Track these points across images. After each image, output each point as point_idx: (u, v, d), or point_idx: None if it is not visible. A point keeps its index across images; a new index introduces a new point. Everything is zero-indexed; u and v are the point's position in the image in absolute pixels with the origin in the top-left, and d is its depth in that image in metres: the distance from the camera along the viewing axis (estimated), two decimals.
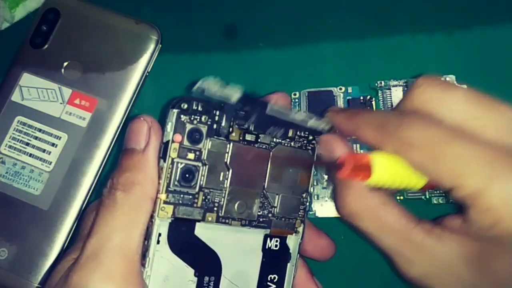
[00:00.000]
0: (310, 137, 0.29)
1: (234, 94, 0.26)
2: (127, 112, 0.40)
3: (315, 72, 0.41)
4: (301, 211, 0.30)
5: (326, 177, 0.38)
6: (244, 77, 0.41)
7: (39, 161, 0.39)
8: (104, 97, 0.40)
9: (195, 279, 0.26)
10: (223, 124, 0.26)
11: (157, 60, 0.41)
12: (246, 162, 0.27)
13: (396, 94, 0.39)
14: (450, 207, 0.37)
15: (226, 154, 0.26)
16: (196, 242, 0.26)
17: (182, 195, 0.25)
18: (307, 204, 0.30)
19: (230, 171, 0.26)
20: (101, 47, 0.41)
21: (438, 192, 0.37)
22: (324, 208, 0.38)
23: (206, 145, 0.26)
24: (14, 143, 0.40)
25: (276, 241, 0.29)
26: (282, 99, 0.30)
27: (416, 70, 0.39)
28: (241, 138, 0.27)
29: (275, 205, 0.28)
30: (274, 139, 0.28)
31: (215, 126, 0.26)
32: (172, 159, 0.25)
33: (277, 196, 0.28)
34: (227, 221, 0.27)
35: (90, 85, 0.40)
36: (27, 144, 0.40)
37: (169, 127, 0.25)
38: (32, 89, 0.40)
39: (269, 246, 0.28)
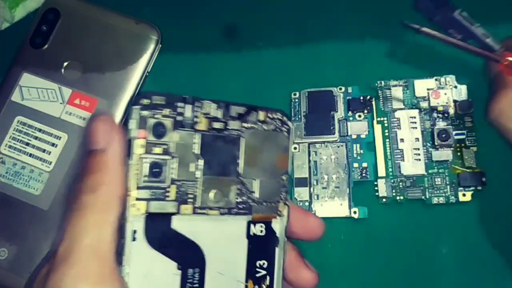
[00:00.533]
0: (284, 118, 0.29)
1: None
2: (127, 112, 0.40)
3: (315, 72, 0.41)
4: (282, 193, 0.29)
5: (326, 177, 0.38)
6: (244, 77, 0.42)
7: (39, 161, 0.39)
8: (104, 97, 0.40)
9: (179, 272, 0.25)
10: (187, 115, 0.26)
11: (157, 60, 0.41)
12: (217, 150, 0.27)
13: (396, 94, 0.39)
14: (450, 207, 0.37)
15: (195, 145, 0.26)
16: (175, 235, 0.26)
17: (153, 190, 0.25)
18: (289, 185, 0.30)
19: (201, 161, 0.26)
20: (101, 47, 0.41)
21: (438, 192, 0.37)
22: (324, 208, 0.38)
23: (173, 137, 0.26)
24: (14, 143, 0.40)
25: (261, 226, 0.28)
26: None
27: (416, 70, 0.40)
28: (209, 127, 0.27)
29: (253, 190, 0.28)
30: (244, 124, 0.28)
31: (179, 118, 0.26)
32: (139, 155, 0.25)
33: (254, 181, 0.28)
34: (204, 211, 0.26)
35: (90, 85, 0.40)
36: (27, 144, 0.40)
37: (132, 124, 0.25)
38: (32, 89, 0.40)
39: (254, 232, 0.28)
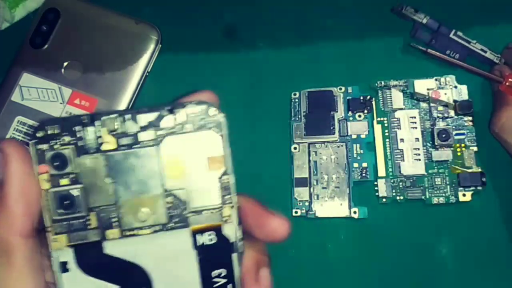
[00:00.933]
0: (211, 111, 0.25)
1: None
2: None
3: (315, 72, 0.41)
4: (225, 196, 0.27)
5: (326, 177, 0.38)
6: (244, 77, 0.41)
7: None
8: (104, 97, 0.40)
9: None
10: (88, 137, 0.24)
11: (157, 60, 0.41)
12: (132, 168, 0.25)
13: (396, 94, 0.39)
14: (450, 207, 0.37)
15: (105, 167, 0.24)
16: (111, 260, 0.25)
17: (70, 222, 0.24)
18: (234, 186, 0.27)
19: (115, 183, 0.25)
20: (101, 47, 0.41)
21: (438, 192, 0.37)
22: (324, 208, 0.38)
23: (78, 165, 0.24)
24: None
25: (209, 234, 0.26)
26: (207, 96, 0.26)
27: (416, 71, 0.40)
28: (118, 144, 0.25)
29: (187, 200, 0.26)
30: (159, 132, 0.25)
31: (80, 142, 0.24)
32: (46, 190, 0.24)
33: (184, 191, 0.26)
34: (133, 232, 0.25)
35: (90, 85, 0.40)
36: (27, 144, 0.40)
37: (33, 160, 0.24)
38: (32, 89, 0.40)
39: (202, 242, 0.26)
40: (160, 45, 0.41)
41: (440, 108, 0.38)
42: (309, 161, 0.39)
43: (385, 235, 0.38)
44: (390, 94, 0.39)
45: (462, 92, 0.39)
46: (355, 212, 0.38)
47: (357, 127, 0.39)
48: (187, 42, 0.43)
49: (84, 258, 0.24)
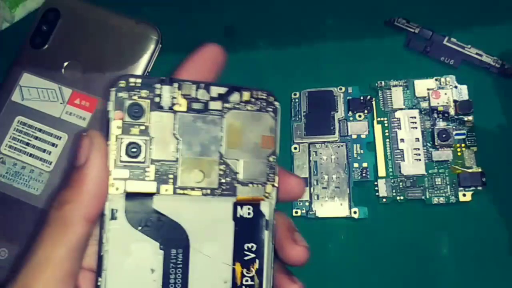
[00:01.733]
0: (271, 98, 0.28)
1: None
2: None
3: (315, 72, 0.41)
4: (270, 175, 0.29)
5: (326, 177, 0.38)
6: (244, 77, 0.41)
7: (39, 161, 0.39)
8: (104, 97, 0.40)
9: (161, 252, 0.26)
10: (166, 95, 0.26)
11: (157, 60, 0.41)
12: (197, 131, 0.27)
13: (396, 94, 0.39)
14: (450, 207, 0.37)
15: (174, 125, 0.26)
16: (156, 215, 0.26)
17: (131, 170, 0.25)
18: (277, 167, 0.29)
19: (181, 141, 0.26)
20: (101, 47, 0.41)
21: (438, 192, 0.37)
22: (324, 208, 0.38)
23: (150, 119, 0.26)
24: (14, 143, 0.40)
25: (248, 208, 0.28)
26: (214, 51, 0.30)
27: (416, 71, 0.40)
28: (188, 107, 0.26)
29: (238, 171, 0.28)
30: (226, 105, 0.28)
31: (157, 99, 0.26)
32: (116, 136, 0.25)
33: (238, 162, 0.28)
34: (185, 191, 0.26)
35: (90, 85, 0.40)
36: (27, 144, 0.40)
37: (109, 106, 0.25)
38: (32, 89, 0.40)
39: (241, 214, 0.28)
40: (160, 45, 0.41)
41: (440, 108, 0.39)
42: (309, 161, 0.39)
43: (385, 235, 0.38)
44: (390, 94, 0.39)
45: (462, 92, 0.39)
46: (355, 212, 0.38)
47: (357, 127, 0.39)
48: (187, 42, 0.43)
49: (132, 209, 0.25)
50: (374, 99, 0.39)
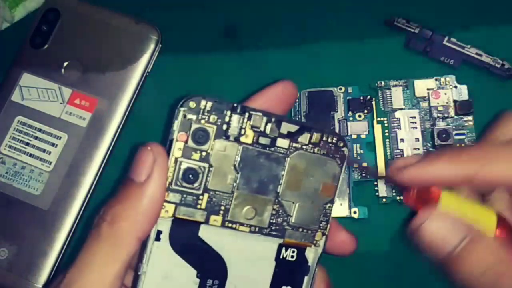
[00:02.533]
0: (341, 144, 0.27)
1: None
2: (127, 112, 0.40)
3: (315, 72, 0.41)
4: (322, 222, 0.28)
5: None
6: (244, 77, 0.41)
7: (39, 161, 0.39)
8: (104, 97, 0.40)
9: (197, 280, 0.25)
10: (233, 125, 0.25)
11: (157, 60, 0.41)
12: (258, 167, 0.26)
13: (396, 94, 0.39)
14: None
15: (236, 157, 0.25)
16: (200, 244, 0.25)
17: (184, 195, 0.24)
18: (331, 215, 0.28)
19: (239, 174, 0.25)
20: (101, 47, 0.41)
21: None
22: None
23: (213, 146, 0.25)
24: (14, 143, 0.40)
25: (293, 251, 0.27)
26: (288, 87, 0.28)
27: (416, 71, 0.40)
28: (254, 141, 0.25)
29: (291, 214, 0.27)
30: (293, 144, 0.26)
31: (225, 126, 0.25)
32: (176, 158, 0.24)
33: (293, 205, 0.27)
34: (233, 225, 0.26)
35: (90, 85, 0.40)
36: (27, 144, 0.40)
37: (175, 125, 0.24)
38: (32, 89, 0.40)
39: (284, 256, 0.27)
40: (160, 45, 0.41)
41: (440, 108, 0.39)
42: None
43: (385, 235, 0.38)
44: (390, 94, 0.39)
45: (462, 92, 0.39)
46: (355, 212, 0.38)
47: (357, 127, 0.39)
48: (187, 42, 0.43)
49: (177, 233, 0.25)
50: (374, 99, 0.39)
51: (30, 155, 0.39)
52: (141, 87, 0.41)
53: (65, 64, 0.41)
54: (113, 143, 0.40)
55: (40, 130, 0.40)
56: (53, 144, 0.39)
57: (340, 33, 0.41)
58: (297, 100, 0.40)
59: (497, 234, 0.25)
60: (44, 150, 0.39)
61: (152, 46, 0.41)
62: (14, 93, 0.40)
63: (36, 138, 0.40)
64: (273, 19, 0.42)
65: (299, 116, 0.40)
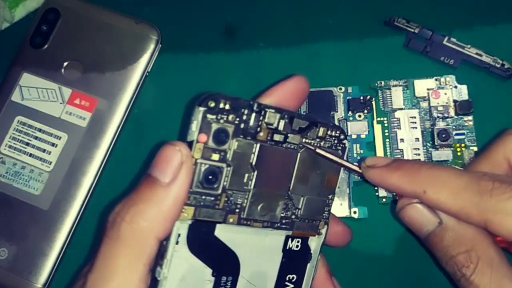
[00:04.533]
0: (342, 137, 0.28)
1: None
2: (127, 112, 0.40)
3: (315, 72, 0.41)
4: (325, 212, 0.29)
5: None
6: (244, 77, 0.41)
7: (39, 161, 0.39)
8: (104, 97, 0.40)
9: (213, 279, 0.25)
10: (251, 123, 0.25)
11: (157, 60, 0.41)
12: (272, 163, 0.26)
13: (396, 94, 0.39)
14: None
15: (252, 155, 0.25)
16: (215, 243, 0.25)
17: (204, 197, 0.24)
18: (332, 205, 0.29)
19: (256, 172, 0.25)
20: (101, 47, 0.41)
21: None
22: None
23: (232, 145, 0.24)
24: (14, 143, 0.40)
25: (298, 241, 0.28)
26: (301, 82, 0.29)
27: (416, 71, 0.40)
28: (268, 138, 0.25)
29: (299, 207, 0.27)
30: (303, 140, 0.27)
31: (242, 125, 0.24)
32: (196, 160, 0.23)
33: (302, 198, 0.27)
34: (249, 223, 0.26)
35: (90, 85, 0.40)
36: (27, 144, 0.40)
37: (194, 126, 0.23)
38: (32, 89, 0.40)
39: (290, 246, 0.28)
40: (160, 45, 0.41)
41: (440, 108, 0.39)
42: None
43: (385, 235, 0.38)
44: (390, 94, 0.39)
45: (462, 92, 0.39)
46: (355, 212, 0.38)
47: (357, 127, 0.39)
48: (187, 42, 0.43)
49: (194, 235, 0.24)
50: (374, 99, 0.39)
51: (30, 155, 0.39)
52: (141, 87, 0.41)
53: (65, 64, 0.41)
54: (113, 143, 0.40)
55: (40, 130, 0.40)
56: (53, 144, 0.39)
57: (340, 33, 0.41)
58: None
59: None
60: (44, 150, 0.39)
61: (152, 46, 0.41)
62: (14, 93, 0.40)
63: (36, 138, 0.40)
64: (273, 18, 0.42)
65: (305, 114, 0.40)
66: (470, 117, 0.38)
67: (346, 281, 0.37)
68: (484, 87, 0.39)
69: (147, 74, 0.41)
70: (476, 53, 0.39)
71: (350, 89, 0.40)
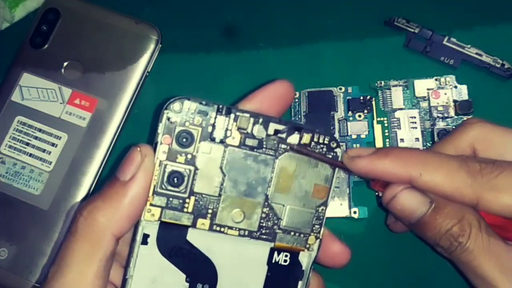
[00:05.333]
0: (333, 145, 0.26)
1: None
2: (127, 112, 0.40)
3: (315, 72, 0.41)
4: (316, 226, 0.27)
5: None
6: (244, 77, 0.41)
7: (39, 161, 0.39)
8: (104, 97, 0.40)
9: (187, 284, 0.25)
10: (218, 127, 0.25)
11: (157, 60, 0.41)
12: (245, 169, 0.25)
13: (396, 94, 0.39)
14: None
15: (222, 159, 0.25)
16: (188, 248, 0.25)
17: (170, 199, 0.24)
18: (324, 218, 0.28)
19: (226, 177, 0.25)
20: (101, 47, 0.41)
21: None
22: None
23: (199, 148, 0.24)
24: (14, 143, 0.40)
25: (286, 256, 0.27)
26: (284, 86, 0.28)
27: (416, 71, 0.40)
28: (241, 142, 0.25)
29: (281, 217, 0.26)
30: (282, 145, 0.25)
31: (209, 129, 0.24)
32: (161, 161, 0.24)
33: (283, 208, 0.26)
34: (221, 229, 0.25)
35: (90, 85, 0.40)
36: (27, 144, 0.40)
37: (159, 128, 0.24)
38: (32, 89, 0.40)
39: (276, 260, 0.27)
40: (160, 45, 0.41)
41: (440, 108, 0.39)
42: None
43: (385, 235, 0.38)
44: (390, 94, 0.39)
45: (462, 92, 0.39)
46: (355, 212, 0.38)
47: (357, 127, 0.39)
48: (187, 42, 0.43)
49: (165, 237, 0.24)
50: (374, 99, 0.39)
51: (30, 155, 0.39)
52: (141, 87, 0.41)
53: (65, 64, 0.41)
54: (113, 143, 0.40)
55: (40, 130, 0.40)
56: (53, 144, 0.39)
57: (340, 33, 0.41)
58: (297, 100, 0.40)
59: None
60: (44, 150, 0.39)
61: (152, 46, 0.41)
62: (14, 93, 0.40)
63: (36, 138, 0.40)
64: (273, 18, 0.42)
65: (299, 116, 0.40)
66: (470, 117, 0.38)
67: (346, 281, 0.37)
68: (484, 87, 0.39)
69: (147, 74, 0.41)
70: (476, 53, 0.39)
71: (350, 89, 0.40)
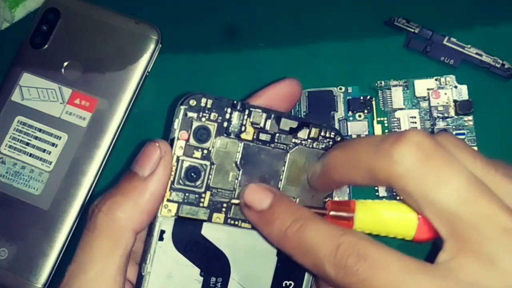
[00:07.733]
0: (338, 138, 0.27)
1: None
2: (127, 112, 0.40)
3: (315, 72, 0.41)
4: (321, 215, 0.28)
5: None
6: (244, 77, 0.41)
7: (39, 161, 0.39)
8: (104, 97, 0.40)
9: (201, 278, 0.25)
10: (234, 122, 0.25)
11: (157, 60, 0.41)
12: (259, 163, 0.26)
13: (396, 94, 0.39)
14: None
15: (237, 154, 0.25)
16: (202, 242, 0.25)
17: (187, 194, 0.25)
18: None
19: (241, 171, 0.25)
20: (101, 47, 0.41)
21: None
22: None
23: (215, 143, 0.25)
24: (14, 143, 0.40)
25: None
26: (293, 85, 0.28)
27: (416, 71, 0.40)
28: (254, 137, 0.26)
29: None
30: (293, 140, 0.26)
31: (225, 124, 0.25)
32: (178, 157, 0.24)
33: (294, 200, 0.27)
34: (236, 222, 0.26)
35: (90, 85, 0.40)
36: (27, 144, 0.40)
37: (176, 124, 0.24)
38: (32, 89, 0.40)
39: None
40: (160, 45, 0.41)
41: (440, 108, 0.39)
42: None
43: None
44: (390, 94, 0.39)
45: (462, 92, 0.39)
46: None
47: (357, 127, 0.39)
48: (187, 42, 0.43)
49: (180, 232, 0.25)
50: (374, 99, 0.39)
51: (30, 155, 0.39)
52: (141, 87, 0.41)
53: (65, 64, 0.41)
54: (113, 143, 0.40)
55: (40, 130, 0.40)
56: (53, 144, 0.39)
57: (340, 33, 0.41)
58: None
59: (416, 237, 0.26)
60: (44, 150, 0.39)
61: (152, 46, 0.41)
62: (14, 93, 0.40)
63: (36, 138, 0.40)
64: (273, 18, 0.42)
65: (299, 116, 0.40)
66: (470, 117, 0.38)
67: None
68: (484, 87, 0.39)
69: (147, 74, 0.41)
70: (476, 53, 0.39)
71: (350, 89, 0.40)
